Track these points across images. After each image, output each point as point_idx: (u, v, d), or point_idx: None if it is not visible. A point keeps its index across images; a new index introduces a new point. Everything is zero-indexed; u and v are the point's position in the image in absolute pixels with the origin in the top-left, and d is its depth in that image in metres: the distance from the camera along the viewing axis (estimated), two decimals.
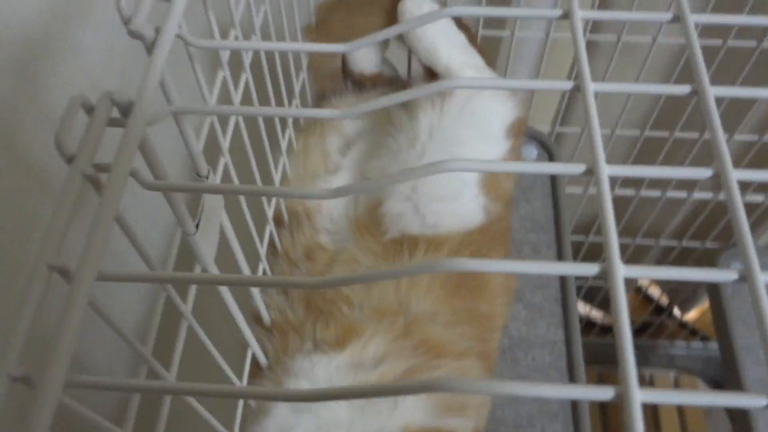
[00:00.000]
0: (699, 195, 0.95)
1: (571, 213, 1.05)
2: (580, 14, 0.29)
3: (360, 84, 0.71)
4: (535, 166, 0.27)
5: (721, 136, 0.26)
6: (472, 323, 0.56)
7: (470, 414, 0.52)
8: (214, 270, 0.38)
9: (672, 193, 0.95)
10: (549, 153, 0.80)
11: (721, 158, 0.25)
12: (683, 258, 1.16)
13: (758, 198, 0.96)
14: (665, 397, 0.21)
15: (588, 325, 1.44)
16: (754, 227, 1.04)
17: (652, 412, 1.40)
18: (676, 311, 1.54)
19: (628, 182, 0.95)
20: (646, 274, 0.23)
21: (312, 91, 0.71)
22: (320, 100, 0.71)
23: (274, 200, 0.59)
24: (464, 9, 0.27)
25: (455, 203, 0.57)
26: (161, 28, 0.27)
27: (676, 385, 1.48)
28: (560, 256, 0.71)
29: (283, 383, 0.52)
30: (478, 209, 0.59)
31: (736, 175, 0.25)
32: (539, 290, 0.69)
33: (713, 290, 1.00)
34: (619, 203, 1.01)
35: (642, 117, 0.89)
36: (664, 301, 1.58)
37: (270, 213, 0.58)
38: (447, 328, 0.54)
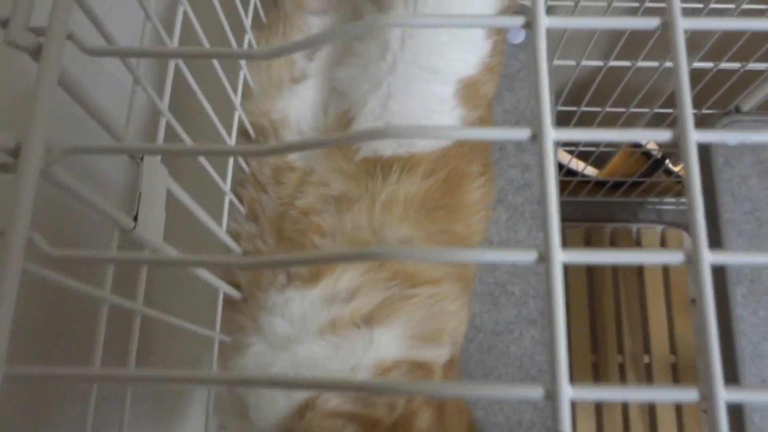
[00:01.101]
0: (698, 64, 0.89)
1: (562, 83, 0.99)
2: None
3: None
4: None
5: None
6: (449, 247, 0.54)
7: (445, 341, 0.52)
8: (167, 250, 0.36)
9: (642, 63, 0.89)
10: None
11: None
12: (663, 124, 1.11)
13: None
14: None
15: (581, 183, 1.44)
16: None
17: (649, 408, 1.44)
18: (670, 164, 1.52)
19: (598, 55, 0.88)
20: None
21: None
22: None
23: (236, 127, 0.54)
24: None
25: (430, 121, 0.53)
26: None
27: (663, 238, 1.51)
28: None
29: (258, 319, 0.51)
30: (456, 123, 0.54)
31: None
32: (521, 192, 0.67)
33: (704, 162, 0.97)
34: (590, 74, 0.95)
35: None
36: (657, 151, 1.56)
37: (233, 135, 0.54)
38: None
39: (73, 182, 0.25)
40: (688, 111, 0.23)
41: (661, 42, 0.86)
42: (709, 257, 0.21)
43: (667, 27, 0.24)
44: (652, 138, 0.24)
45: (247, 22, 0.57)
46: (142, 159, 0.33)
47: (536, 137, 0.22)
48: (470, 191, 0.56)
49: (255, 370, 0.50)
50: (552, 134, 0.22)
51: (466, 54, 0.53)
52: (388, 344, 0.49)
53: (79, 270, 0.45)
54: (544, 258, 0.21)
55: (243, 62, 0.56)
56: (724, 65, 0.87)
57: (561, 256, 0.21)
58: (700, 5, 0.81)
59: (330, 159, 0.55)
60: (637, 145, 1.45)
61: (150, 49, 0.38)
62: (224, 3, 0.51)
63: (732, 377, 0.89)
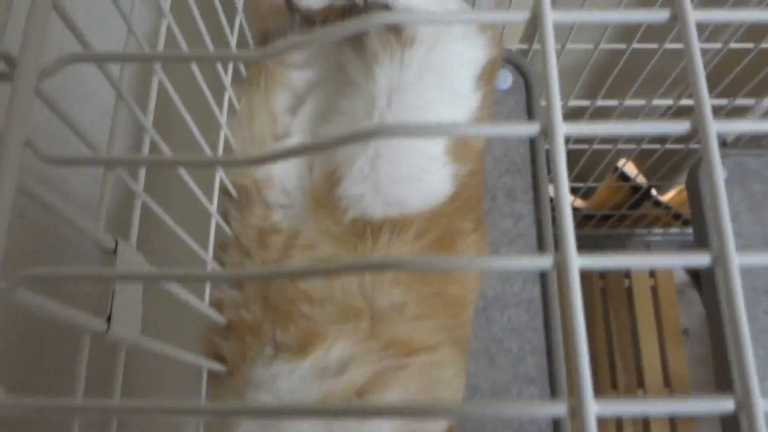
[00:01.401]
0: (685, 101, 0.88)
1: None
2: None
3: (308, 20, 0.61)
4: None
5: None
6: (443, 311, 0.52)
7: (440, 427, 0.49)
8: (145, 343, 0.33)
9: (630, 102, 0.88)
10: (525, 79, 0.72)
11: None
12: (665, 160, 1.11)
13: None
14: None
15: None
16: None
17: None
18: (655, 193, 1.52)
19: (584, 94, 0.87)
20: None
21: (252, 32, 0.61)
22: (263, 43, 0.61)
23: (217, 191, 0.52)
24: None
25: (421, 183, 0.51)
26: None
27: (652, 270, 1.50)
28: (537, 202, 0.66)
29: (244, 394, 0.48)
30: (447, 180, 0.52)
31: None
32: (515, 243, 0.65)
33: (693, 200, 0.96)
34: (577, 110, 0.95)
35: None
36: (642, 181, 1.56)
37: (214, 206, 0.51)
38: (416, 321, 0.50)
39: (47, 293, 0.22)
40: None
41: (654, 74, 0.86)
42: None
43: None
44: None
45: (227, 79, 0.55)
46: (115, 252, 0.30)
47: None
48: (464, 249, 0.54)
49: None
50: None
51: (455, 109, 0.51)
52: (384, 422, 0.46)
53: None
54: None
55: (224, 121, 0.54)
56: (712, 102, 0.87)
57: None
58: None
59: (317, 220, 0.53)
60: (624, 178, 1.45)
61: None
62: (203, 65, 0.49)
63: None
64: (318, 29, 0.60)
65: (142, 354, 0.39)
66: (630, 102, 0.87)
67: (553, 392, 0.59)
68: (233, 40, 0.57)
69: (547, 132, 0.22)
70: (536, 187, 0.67)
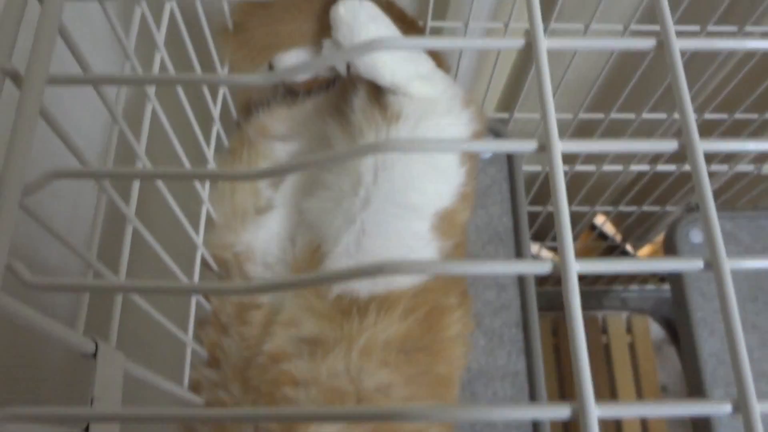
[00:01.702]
0: (663, 167, 0.90)
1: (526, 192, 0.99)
2: None
3: (292, 92, 0.61)
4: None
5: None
6: (431, 391, 0.50)
7: None
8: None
9: (636, 167, 0.90)
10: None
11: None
12: (642, 221, 1.12)
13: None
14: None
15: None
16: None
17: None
18: (629, 248, 1.53)
19: (591, 158, 0.89)
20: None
21: (235, 102, 0.61)
22: (246, 113, 0.61)
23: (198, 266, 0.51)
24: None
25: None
26: None
27: (629, 325, 1.50)
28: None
29: None
30: (433, 257, 0.52)
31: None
32: (498, 315, 0.64)
33: (669, 243, 0.97)
34: (580, 176, 0.96)
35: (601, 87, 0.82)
36: (618, 238, 1.57)
37: (196, 274, 0.50)
38: (403, 403, 0.48)
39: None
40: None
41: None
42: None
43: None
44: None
45: (209, 152, 0.54)
46: (95, 356, 0.29)
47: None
48: (449, 325, 0.53)
49: None
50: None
51: (441, 185, 0.51)
52: None
53: None
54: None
55: (206, 196, 0.53)
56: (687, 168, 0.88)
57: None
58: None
59: (301, 296, 0.52)
60: (603, 236, 1.46)
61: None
62: (184, 130, 0.49)
63: None
64: (302, 101, 0.60)
65: None
66: (607, 167, 0.89)
67: None
68: (216, 111, 0.56)
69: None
70: (520, 257, 0.67)
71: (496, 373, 0.61)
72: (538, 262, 0.20)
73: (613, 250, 1.49)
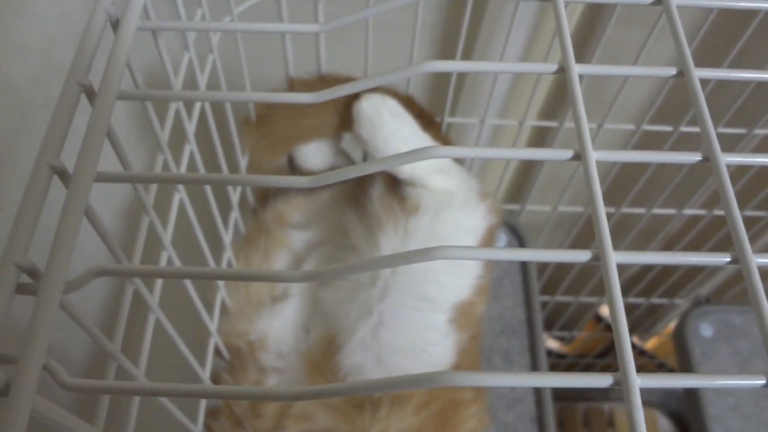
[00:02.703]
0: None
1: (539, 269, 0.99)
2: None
3: None
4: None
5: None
6: None
7: None
8: None
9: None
10: (518, 237, 0.73)
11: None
12: (649, 313, 1.12)
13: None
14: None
15: (554, 362, 1.40)
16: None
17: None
18: (635, 340, 1.52)
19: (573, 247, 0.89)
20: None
21: (253, 190, 0.62)
22: (263, 201, 0.62)
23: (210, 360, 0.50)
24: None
25: (425, 354, 0.49)
26: None
27: None
28: (534, 364, 0.65)
29: None
30: (450, 350, 0.51)
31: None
32: (512, 408, 0.63)
33: (682, 355, 0.96)
34: (564, 266, 0.96)
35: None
36: None
37: (207, 373, 0.49)
38: None
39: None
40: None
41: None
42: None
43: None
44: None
45: (227, 237, 0.55)
46: None
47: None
48: (465, 420, 0.52)
49: None
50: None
51: (460, 279, 0.51)
52: None
53: None
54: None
55: (221, 282, 0.53)
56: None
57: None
58: None
59: (312, 384, 0.51)
60: (607, 326, 1.45)
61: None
62: (202, 216, 0.49)
63: None
64: (319, 190, 0.61)
65: None
66: None
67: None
68: (235, 198, 0.57)
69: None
70: (533, 349, 0.66)
71: None
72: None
73: None
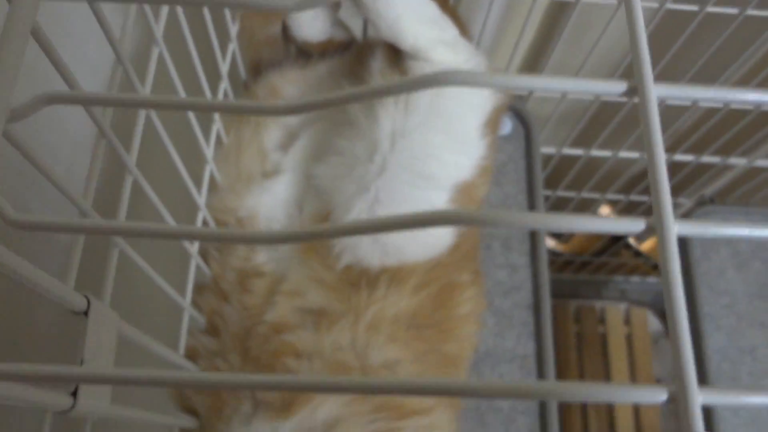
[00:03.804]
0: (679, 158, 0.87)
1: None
2: None
3: (305, 53, 0.58)
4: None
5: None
6: (438, 369, 0.48)
7: None
8: (115, 411, 0.29)
9: (624, 154, 0.87)
10: (524, 125, 0.69)
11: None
12: (647, 214, 1.10)
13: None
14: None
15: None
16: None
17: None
18: (632, 241, 1.51)
19: (579, 142, 0.86)
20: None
21: (244, 61, 0.58)
22: (255, 73, 0.58)
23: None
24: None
25: (422, 233, 0.47)
26: None
27: (627, 317, 1.49)
28: (533, 254, 0.64)
29: None
30: (449, 231, 0.49)
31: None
32: (510, 296, 0.62)
33: (682, 253, 0.95)
34: (568, 161, 0.93)
35: None
36: None
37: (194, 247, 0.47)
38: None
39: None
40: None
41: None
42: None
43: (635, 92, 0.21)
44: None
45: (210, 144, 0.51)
46: (86, 314, 0.26)
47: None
48: (461, 303, 0.51)
49: None
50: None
51: (461, 157, 0.48)
52: None
53: None
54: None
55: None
56: (705, 159, 0.86)
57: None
58: None
59: (306, 265, 0.49)
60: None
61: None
62: (190, 85, 0.46)
63: None
64: (315, 63, 0.57)
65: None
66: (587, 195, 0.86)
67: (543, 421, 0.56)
68: (225, 67, 0.53)
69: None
70: (533, 237, 0.64)
71: (504, 356, 0.59)
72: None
73: (615, 243, 1.47)
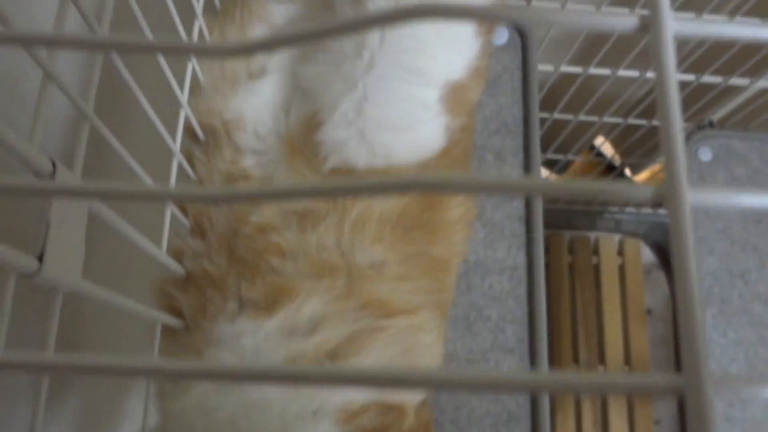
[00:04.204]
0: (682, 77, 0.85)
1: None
2: None
3: None
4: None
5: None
6: (425, 272, 0.48)
7: None
8: (86, 288, 0.28)
9: (624, 72, 0.85)
10: (521, 35, 0.67)
11: None
12: (643, 142, 1.08)
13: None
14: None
15: None
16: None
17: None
18: (628, 172, 1.50)
19: (576, 60, 0.84)
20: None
21: None
22: None
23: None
24: None
25: (412, 131, 0.46)
26: None
27: (621, 248, 1.49)
28: (527, 165, 0.63)
29: (203, 352, 0.44)
30: (439, 132, 0.48)
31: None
32: (501, 207, 0.61)
33: None
34: (566, 79, 0.91)
35: None
36: (617, 160, 1.54)
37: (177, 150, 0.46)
38: (396, 282, 0.46)
39: None
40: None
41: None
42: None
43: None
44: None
45: (199, 7, 0.49)
46: (53, 176, 0.25)
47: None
48: (451, 208, 0.50)
49: (197, 416, 0.42)
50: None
51: (454, 55, 0.47)
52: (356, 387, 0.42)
53: None
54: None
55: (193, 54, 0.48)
56: (706, 79, 0.84)
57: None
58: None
59: (293, 168, 0.48)
60: (599, 155, 1.42)
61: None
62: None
63: None
64: None
65: (84, 307, 0.34)
66: (623, 73, 0.84)
67: (533, 363, 0.56)
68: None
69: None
70: (527, 150, 0.63)
71: (494, 266, 0.59)
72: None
73: (610, 172, 1.46)
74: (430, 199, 0.48)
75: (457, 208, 0.51)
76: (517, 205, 0.61)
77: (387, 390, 0.44)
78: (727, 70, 0.83)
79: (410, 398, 0.45)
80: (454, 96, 0.48)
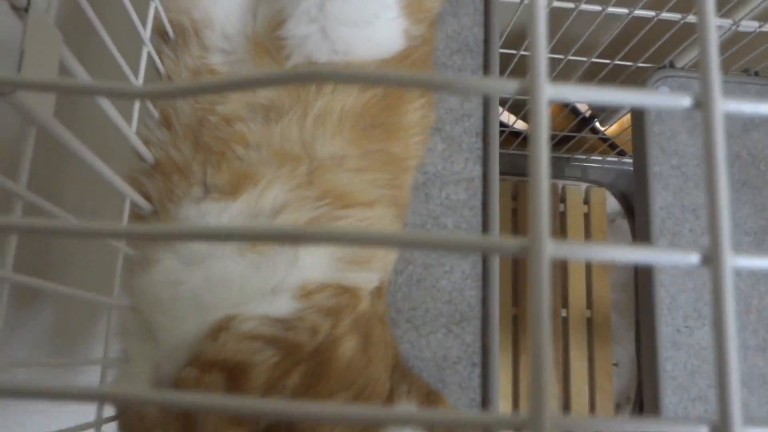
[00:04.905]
0: (639, 12, 0.88)
1: (503, 24, 0.96)
2: None
3: None
4: None
5: None
6: (383, 167, 0.50)
7: (375, 266, 0.49)
8: (62, 132, 0.30)
9: (612, 9, 0.87)
10: None
11: None
12: (614, 76, 1.11)
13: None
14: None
15: (511, 134, 1.43)
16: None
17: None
18: (598, 124, 1.54)
19: None
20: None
21: None
22: None
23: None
24: None
25: (371, 28, 0.48)
26: None
27: (587, 196, 1.54)
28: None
29: None
30: (398, 34, 0.50)
31: None
32: (460, 123, 0.64)
33: (637, 111, 0.98)
34: (556, 16, 0.94)
35: None
36: (588, 113, 1.57)
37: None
38: (355, 174, 0.48)
39: None
40: None
41: None
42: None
43: None
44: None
45: None
46: (26, 10, 0.27)
47: None
48: (409, 112, 0.53)
49: (163, 288, 0.45)
50: None
51: None
52: (314, 265, 0.45)
53: None
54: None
55: None
56: (665, 15, 0.87)
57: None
58: None
59: (258, 64, 0.50)
60: (565, 104, 1.46)
61: None
62: None
63: (649, 327, 0.90)
64: None
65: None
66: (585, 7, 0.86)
67: (485, 267, 0.60)
68: None
69: None
70: (487, 69, 0.65)
71: (451, 178, 0.62)
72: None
73: (582, 126, 1.49)
74: (389, 100, 0.51)
75: (415, 113, 0.53)
76: (475, 122, 0.64)
77: (345, 271, 0.47)
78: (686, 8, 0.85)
79: (365, 282, 0.48)
80: (412, 1, 0.50)
